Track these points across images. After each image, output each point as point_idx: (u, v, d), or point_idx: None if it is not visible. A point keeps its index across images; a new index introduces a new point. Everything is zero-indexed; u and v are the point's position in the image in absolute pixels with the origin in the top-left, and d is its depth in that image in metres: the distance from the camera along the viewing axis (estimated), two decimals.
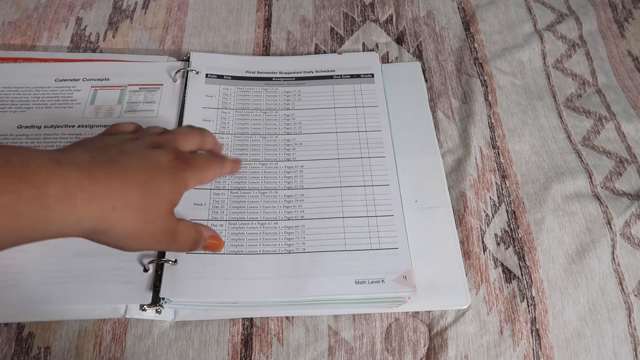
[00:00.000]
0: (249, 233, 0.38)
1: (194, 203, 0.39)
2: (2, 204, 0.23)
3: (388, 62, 0.50)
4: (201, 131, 0.34)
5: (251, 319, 0.37)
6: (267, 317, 0.36)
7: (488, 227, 0.41)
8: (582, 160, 0.44)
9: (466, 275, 0.38)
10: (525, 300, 0.37)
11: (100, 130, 0.43)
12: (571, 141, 0.45)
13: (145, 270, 0.36)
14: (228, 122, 0.44)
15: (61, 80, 0.46)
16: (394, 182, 0.41)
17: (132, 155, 0.28)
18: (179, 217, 0.31)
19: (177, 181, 0.29)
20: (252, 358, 0.35)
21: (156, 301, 0.35)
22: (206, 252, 0.37)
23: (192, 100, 0.45)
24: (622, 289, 0.38)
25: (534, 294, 0.38)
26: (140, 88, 0.46)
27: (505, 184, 0.43)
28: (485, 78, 0.48)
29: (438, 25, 0.53)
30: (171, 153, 0.30)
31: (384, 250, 0.38)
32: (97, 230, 0.26)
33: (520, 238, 0.40)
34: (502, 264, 0.39)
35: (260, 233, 0.38)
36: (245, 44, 0.51)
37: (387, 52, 0.51)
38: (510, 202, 0.42)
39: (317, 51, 0.51)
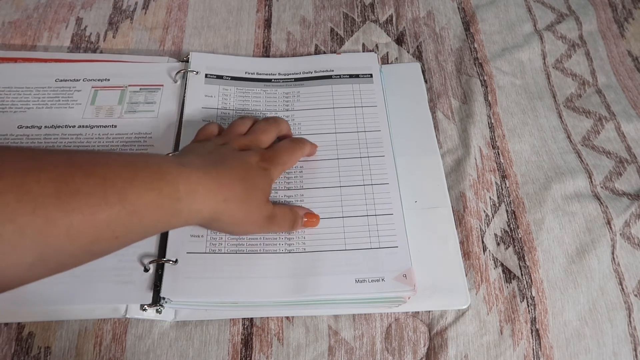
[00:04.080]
0: None
1: None
2: (150, 199, 0.28)
3: (388, 63, 0.50)
4: (276, 121, 0.40)
5: (251, 319, 0.37)
6: (267, 317, 0.37)
7: (488, 227, 0.41)
8: (582, 160, 0.44)
9: (466, 275, 0.38)
10: (525, 300, 0.37)
11: (101, 131, 0.43)
12: (571, 141, 0.45)
13: (146, 270, 0.36)
14: (228, 123, 0.44)
15: (61, 80, 0.46)
16: (393, 180, 0.41)
17: (230, 157, 0.35)
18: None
19: (266, 176, 0.35)
20: (252, 358, 0.35)
21: (156, 301, 0.35)
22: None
23: (191, 100, 0.45)
24: (622, 289, 0.38)
25: (534, 294, 0.38)
26: (140, 88, 0.46)
27: (505, 184, 0.43)
28: (485, 78, 0.48)
29: (438, 25, 0.53)
30: (257, 154, 0.36)
31: (383, 249, 0.38)
32: (211, 219, 0.32)
33: (520, 238, 0.40)
34: (502, 264, 0.39)
35: None
36: (245, 45, 0.51)
37: (387, 52, 0.51)
38: (510, 202, 0.42)
39: (317, 52, 0.51)
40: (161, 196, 0.28)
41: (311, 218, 0.38)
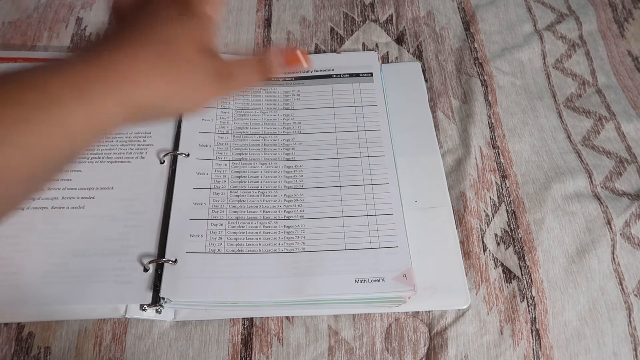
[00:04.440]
0: (249, 232, 0.38)
1: (194, 202, 0.39)
2: (10, 114, 0.20)
3: (388, 62, 0.50)
4: None
5: (251, 319, 0.37)
6: (267, 317, 0.36)
7: (488, 227, 0.41)
8: (582, 160, 0.44)
9: (466, 275, 0.38)
10: (525, 300, 0.37)
11: None
12: (571, 141, 0.45)
13: (145, 270, 0.36)
14: (227, 122, 0.44)
15: None
16: (393, 180, 0.41)
17: (132, 25, 0.26)
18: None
19: (191, 23, 0.26)
20: (252, 358, 0.35)
21: (156, 301, 0.35)
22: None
23: None
24: (622, 289, 0.38)
25: (534, 293, 0.37)
26: None
27: (505, 184, 0.43)
28: (485, 78, 0.48)
29: (438, 25, 0.53)
30: (170, 3, 0.26)
31: (383, 249, 0.38)
32: (133, 111, 0.24)
33: (520, 238, 0.40)
34: (502, 264, 0.39)
35: (260, 232, 0.38)
36: (245, 44, 0.51)
37: (387, 52, 0.51)
38: (510, 202, 0.42)
39: (317, 51, 0.51)
40: (28, 108, 0.21)
41: (291, 54, 0.28)
